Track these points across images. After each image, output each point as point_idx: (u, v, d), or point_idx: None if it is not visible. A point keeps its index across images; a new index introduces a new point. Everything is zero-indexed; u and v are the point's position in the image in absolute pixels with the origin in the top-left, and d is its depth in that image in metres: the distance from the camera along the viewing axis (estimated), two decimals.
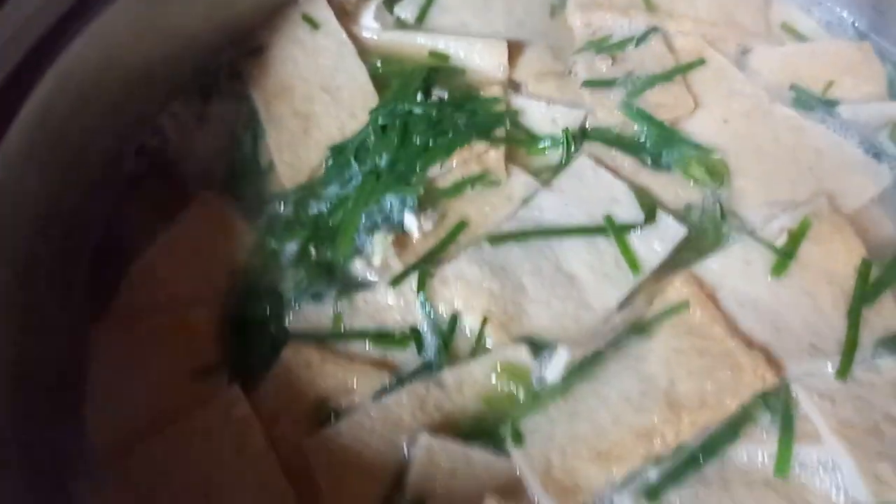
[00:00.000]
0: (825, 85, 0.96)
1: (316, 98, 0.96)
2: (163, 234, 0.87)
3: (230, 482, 0.73)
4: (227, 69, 1.00)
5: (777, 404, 0.77)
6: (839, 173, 0.90)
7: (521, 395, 0.78)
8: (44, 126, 0.78)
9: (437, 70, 0.98)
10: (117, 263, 0.86)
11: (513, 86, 0.99)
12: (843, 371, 0.77)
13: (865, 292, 0.81)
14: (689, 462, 0.74)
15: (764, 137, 0.93)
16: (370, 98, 0.96)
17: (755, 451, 0.75)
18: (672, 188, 0.91)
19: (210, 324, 0.82)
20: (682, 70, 0.98)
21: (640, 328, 0.80)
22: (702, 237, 0.88)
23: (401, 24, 1.04)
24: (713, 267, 0.84)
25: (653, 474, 0.74)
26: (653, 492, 0.73)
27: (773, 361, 0.78)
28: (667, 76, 0.96)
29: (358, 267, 0.86)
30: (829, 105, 0.96)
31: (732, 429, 0.75)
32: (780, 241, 0.84)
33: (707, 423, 0.74)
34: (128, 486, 0.73)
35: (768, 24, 1.03)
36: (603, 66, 0.98)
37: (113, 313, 0.83)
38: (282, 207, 0.90)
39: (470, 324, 0.82)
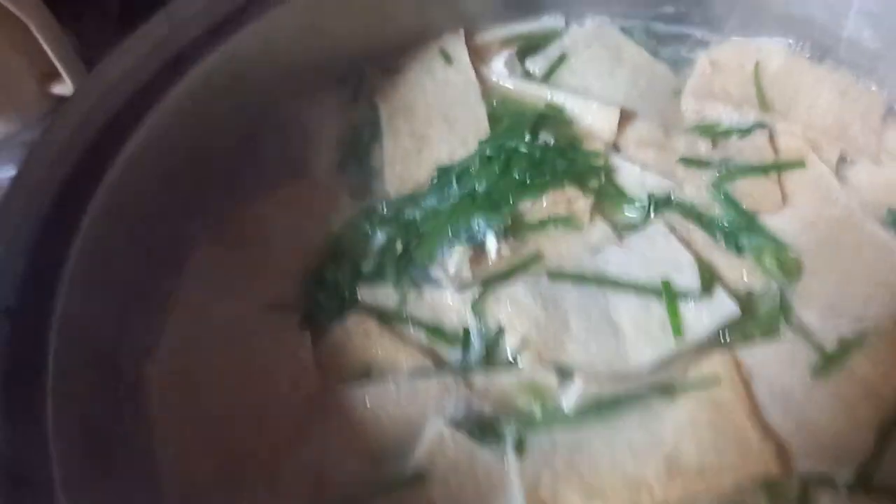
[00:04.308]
0: None
1: (434, 123, 1.07)
2: (283, 188, 1.01)
3: (275, 404, 0.85)
4: (369, 80, 1.12)
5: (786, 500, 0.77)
6: None
7: (537, 413, 0.84)
8: (198, 98, 0.93)
9: (548, 116, 1.07)
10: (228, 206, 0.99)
11: (614, 146, 1.05)
12: (855, 486, 0.77)
13: None
14: None
15: (845, 248, 0.92)
16: (482, 131, 1.06)
17: None
18: (738, 271, 0.93)
19: (296, 272, 0.95)
20: (780, 167, 0.99)
21: (666, 390, 0.84)
22: (753, 325, 0.89)
23: (527, 76, 1.13)
24: (756, 354, 0.85)
25: None
26: None
27: (784, 456, 0.78)
28: (763, 170, 0.99)
29: (434, 269, 0.96)
30: None
31: None
32: (832, 346, 0.84)
33: (696, 492, 0.76)
34: (188, 384, 0.86)
35: (879, 146, 1.02)
36: (702, 147, 1.02)
37: (213, 244, 0.96)
38: (382, 208, 1.02)
39: (510, 343, 0.89)
